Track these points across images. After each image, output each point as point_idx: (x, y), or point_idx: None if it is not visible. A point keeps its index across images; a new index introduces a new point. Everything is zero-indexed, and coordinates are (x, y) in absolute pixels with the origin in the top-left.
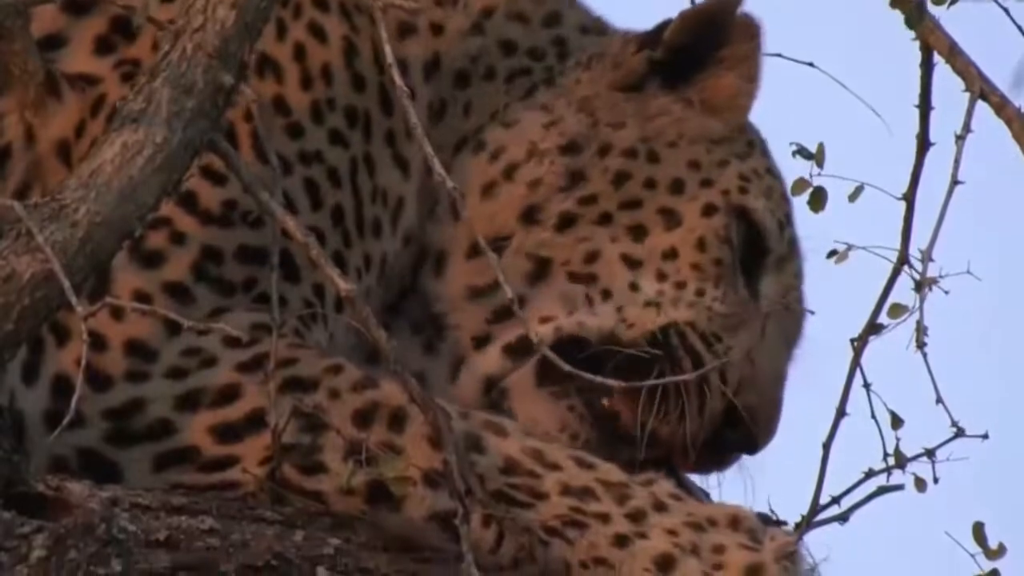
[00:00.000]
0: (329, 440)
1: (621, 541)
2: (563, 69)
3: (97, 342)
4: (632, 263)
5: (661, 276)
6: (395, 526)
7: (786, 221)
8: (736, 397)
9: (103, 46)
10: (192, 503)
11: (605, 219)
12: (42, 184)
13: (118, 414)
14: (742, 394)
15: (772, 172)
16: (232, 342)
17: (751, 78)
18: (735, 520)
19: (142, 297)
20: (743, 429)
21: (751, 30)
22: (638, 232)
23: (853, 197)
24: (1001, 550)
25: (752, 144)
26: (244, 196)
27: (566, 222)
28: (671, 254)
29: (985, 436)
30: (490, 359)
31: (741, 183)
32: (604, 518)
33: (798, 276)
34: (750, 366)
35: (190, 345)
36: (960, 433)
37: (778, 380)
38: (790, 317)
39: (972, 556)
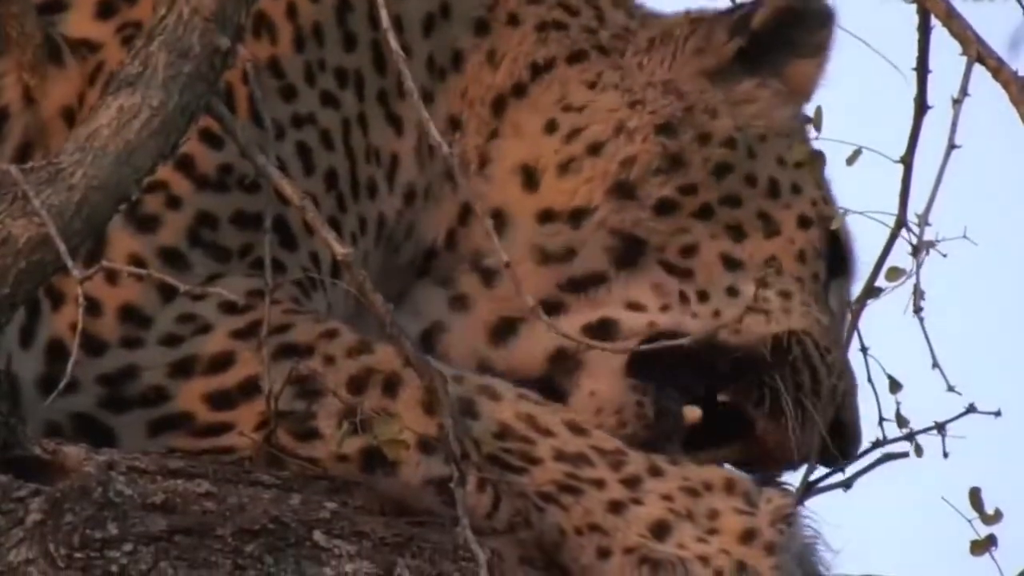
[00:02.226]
0: (323, 406)
1: (616, 507)
2: (614, 43)
3: (92, 307)
4: (732, 265)
5: (762, 284)
6: (391, 490)
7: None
8: (840, 412)
9: (105, 9)
10: (189, 467)
11: (705, 212)
12: (47, 148)
13: (112, 380)
14: (844, 409)
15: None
16: (227, 308)
17: (823, 66)
18: (730, 484)
19: (138, 262)
20: (840, 444)
21: (830, 18)
22: (737, 233)
23: (851, 161)
24: (997, 515)
25: (805, 137)
26: (241, 160)
27: (666, 207)
28: (772, 264)
29: (997, 413)
30: (564, 330)
31: (821, 192)
32: (599, 484)
33: (850, 293)
34: (848, 381)
35: (185, 311)
36: (971, 409)
37: (855, 393)
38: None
39: (969, 521)
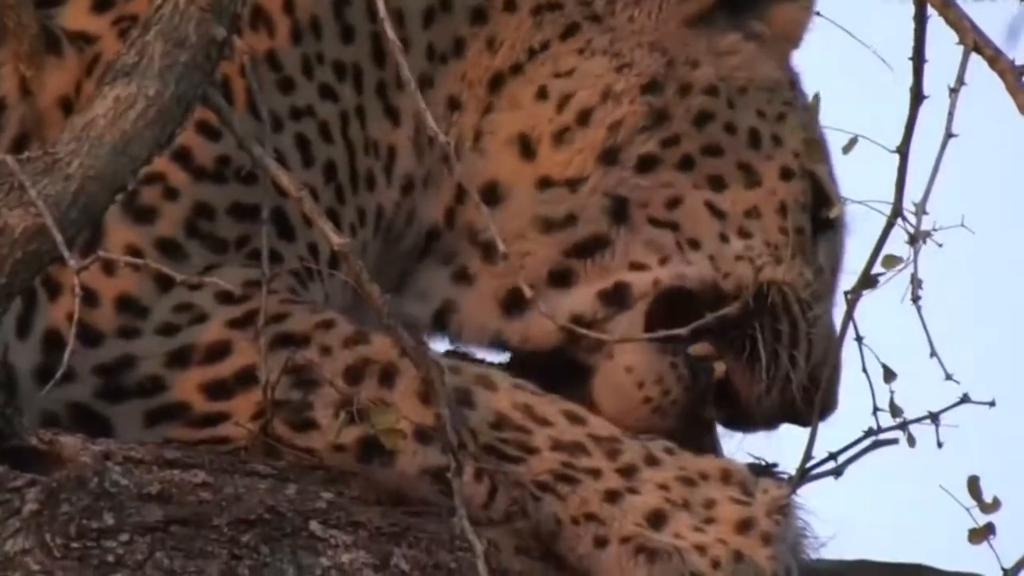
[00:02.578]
0: (320, 396)
1: (612, 497)
2: (607, 7)
3: (88, 297)
4: (717, 213)
5: (744, 233)
6: (387, 480)
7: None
8: (816, 369)
9: (101, 2)
10: (185, 457)
11: (687, 163)
12: (44, 138)
13: (109, 370)
14: (821, 367)
15: (811, 119)
16: (224, 298)
17: (809, 8)
18: (726, 474)
19: (134, 252)
20: (812, 404)
21: None
22: (718, 183)
23: (847, 149)
24: (996, 504)
25: (794, 85)
26: (238, 152)
27: (647, 164)
28: (754, 213)
29: (991, 403)
30: (580, 299)
31: (827, 167)
32: (595, 473)
33: (843, 244)
34: (828, 340)
35: (181, 301)
36: (966, 399)
37: (839, 354)
38: (834, 284)
39: (967, 510)
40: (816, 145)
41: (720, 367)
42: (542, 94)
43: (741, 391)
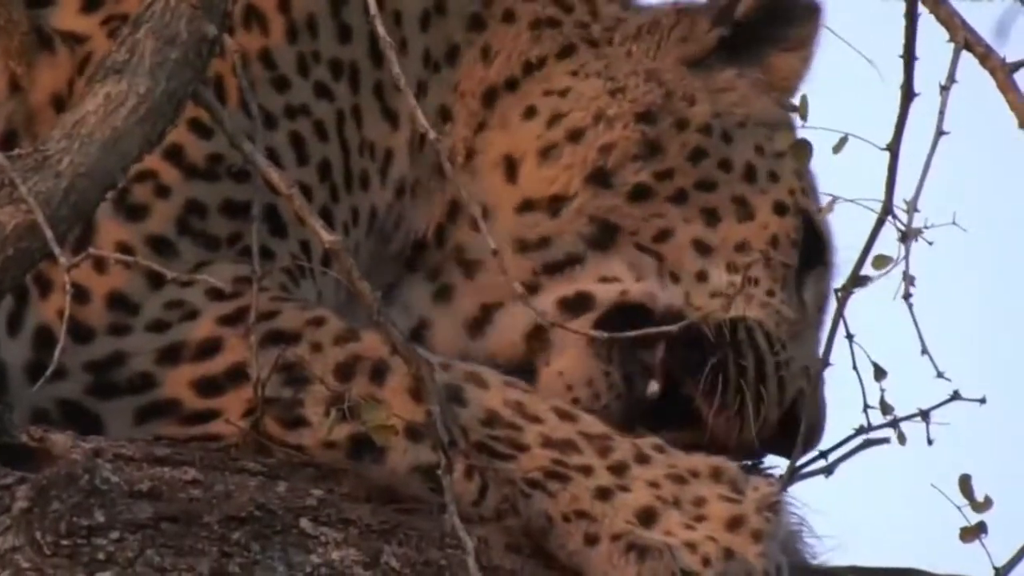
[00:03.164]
0: (311, 394)
1: (603, 494)
2: (605, 34)
3: (79, 294)
4: (703, 249)
5: (732, 268)
6: (378, 477)
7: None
8: (795, 406)
9: (90, 2)
10: (175, 454)
11: (680, 197)
12: (36, 135)
13: (100, 367)
14: (801, 404)
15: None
16: (215, 295)
17: (808, 60)
18: (717, 472)
19: (125, 250)
20: (791, 441)
21: (815, 12)
22: (711, 216)
23: (837, 148)
24: (988, 503)
25: (791, 128)
26: (230, 150)
27: (640, 194)
28: (744, 247)
29: (983, 400)
30: (539, 306)
31: (800, 183)
32: (586, 471)
33: (831, 287)
34: (806, 379)
35: (172, 298)
36: (956, 396)
37: (823, 395)
38: (819, 322)
39: (959, 508)
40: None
41: (652, 386)
42: (530, 113)
43: (716, 428)
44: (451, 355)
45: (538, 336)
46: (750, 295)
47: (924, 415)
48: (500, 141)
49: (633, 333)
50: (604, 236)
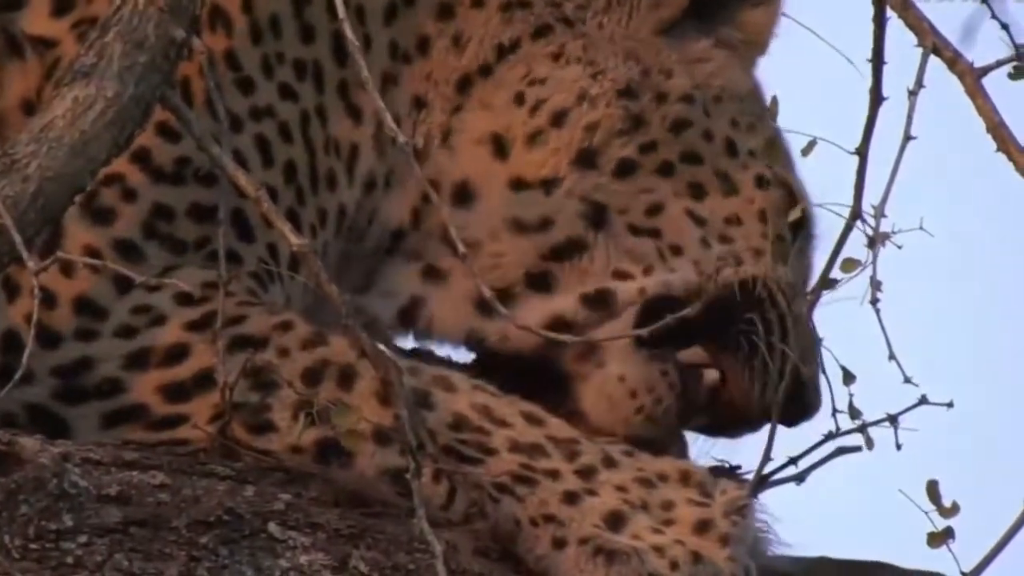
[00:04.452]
0: (278, 399)
1: (571, 498)
2: (578, 12)
3: (47, 298)
4: (698, 220)
5: (726, 239)
6: (346, 481)
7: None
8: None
9: (61, 6)
10: (143, 458)
11: (666, 169)
12: (5, 139)
13: (67, 372)
14: (805, 365)
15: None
16: (182, 300)
17: (776, 12)
18: (685, 475)
19: (93, 254)
20: (801, 400)
21: None
22: (698, 191)
23: (806, 152)
24: (955, 508)
25: (760, 96)
26: (198, 153)
27: (625, 169)
28: (735, 220)
29: (950, 405)
30: (562, 302)
31: (790, 173)
32: (554, 474)
33: (812, 254)
34: (808, 338)
35: (140, 303)
36: (924, 401)
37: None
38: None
39: (926, 514)
40: (777, 148)
41: (712, 374)
42: (519, 99)
43: (736, 395)
44: (456, 333)
45: (563, 328)
46: (757, 256)
47: (892, 420)
48: (483, 120)
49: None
50: (595, 216)
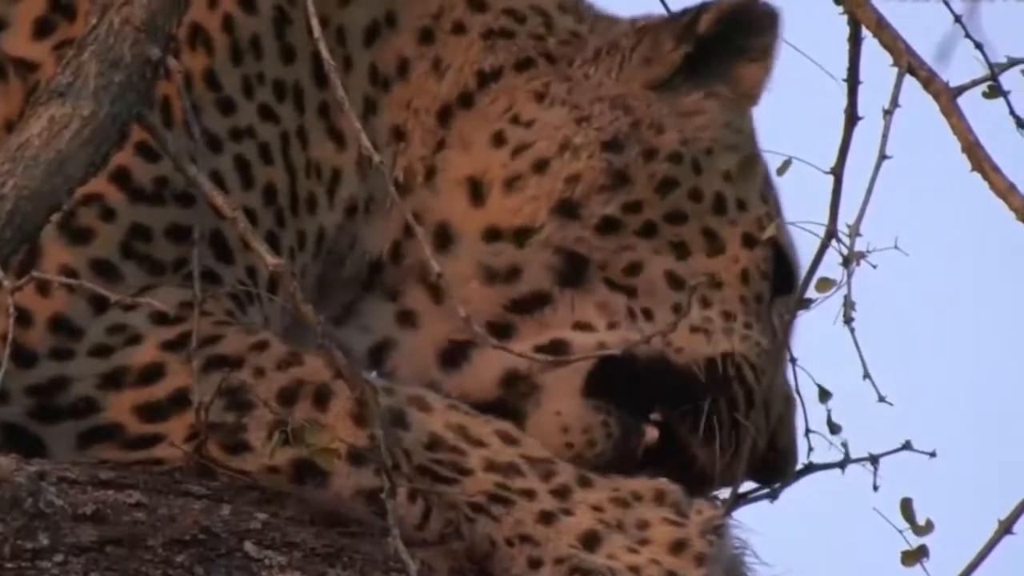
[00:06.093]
0: (254, 419)
1: (546, 518)
2: (561, 49)
3: (23, 317)
4: (676, 282)
5: (705, 303)
6: (322, 501)
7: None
8: (775, 435)
9: (42, 28)
10: (119, 477)
11: (649, 230)
12: None
13: (42, 391)
14: (779, 434)
15: (770, 181)
16: (158, 320)
17: (771, 68)
18: (660, 495)
19: (70, 273)
20: (775, 468)
21: (774, 20)
22: (681, 250)
23: (781, 171)
24: (929, 526)
25: (754, 140)
26: (177, 173)
27: (608, 226)
28: (715, 282)
29: (932, 454)
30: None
31: (767, 208)
32: (529, 494)
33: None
34: (785, 404)
35: (116, 322)
36: (907, 446)
37: (794, 418)
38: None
39: (900, 532)
40: (751, 168)
41: (652, 432)
42: (499, 139)
43: (706, 466)
44: (417, 382)
45: (517, 379)
46: (729, 329)
47: (874, 461)
48: (463, 162)
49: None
50: (572, 269)
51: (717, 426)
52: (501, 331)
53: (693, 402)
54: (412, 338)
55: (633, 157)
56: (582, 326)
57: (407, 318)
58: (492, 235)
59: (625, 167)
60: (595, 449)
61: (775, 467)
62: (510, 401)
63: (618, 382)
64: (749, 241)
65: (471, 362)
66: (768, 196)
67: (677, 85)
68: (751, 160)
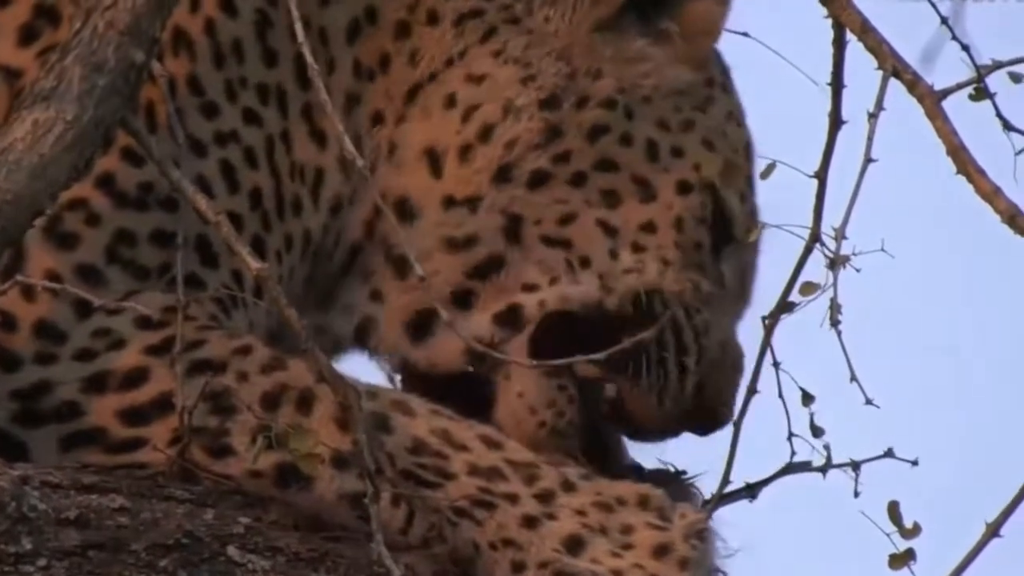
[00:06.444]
0: (237, 423)
1: (530, 522)
2: (526, 6)
3: (7, 322)
4: (609, 230)
5: (639, 248)
6: (305, 505)
7: (747, 187)
8: (707, 378)
9: (27, 35)
10: (103, 482)
11: (579, 179)
12: None
13: (25, 395)
14: (713, 375)
15: (732, 115)
16: (142, 324)
17: (726, 1)
18: (644, 499)
19: (54, 278)
20: (709, 411)
21: None
22: (612, 198)
23: (765, 175)
24: (916, 529)
25: (712, 83)
26: (162, 178)
27: (538, 180)
28: (649, 227)
29: (914, 463)
30: (478, 322)
31: (708, 153)
32: (512, 498)
33: (756, 252)
34: (720, 348)
35: (100, 327)
36: (889, 453)
37: (740, 364)
38: (744, 297)
39: (887, 535)
40: (735, 167)
41: (611, 387)
42: (451, 101)
43: (634, 409)
44: (392, 357)
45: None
46: (662, 271)
47: (855, 467)
48: (421, 132)
49: (563, 361)
50: (512, 229)
51: (644, 363)
52: (463, 299)
53: (619, 341)
54: (382, 313)
55: (567, 109)
56: (528, 287)
57: (377, 295)
58: (450, 203)
59: (559, 121)
60: (565, 417)
61: (696, 418)
62: (481, 372)
63: (565, 337)
64: (684, 188)
65: (435, 334)
66: (727, 132)
67: (626, 27)
68: (736, 162)
